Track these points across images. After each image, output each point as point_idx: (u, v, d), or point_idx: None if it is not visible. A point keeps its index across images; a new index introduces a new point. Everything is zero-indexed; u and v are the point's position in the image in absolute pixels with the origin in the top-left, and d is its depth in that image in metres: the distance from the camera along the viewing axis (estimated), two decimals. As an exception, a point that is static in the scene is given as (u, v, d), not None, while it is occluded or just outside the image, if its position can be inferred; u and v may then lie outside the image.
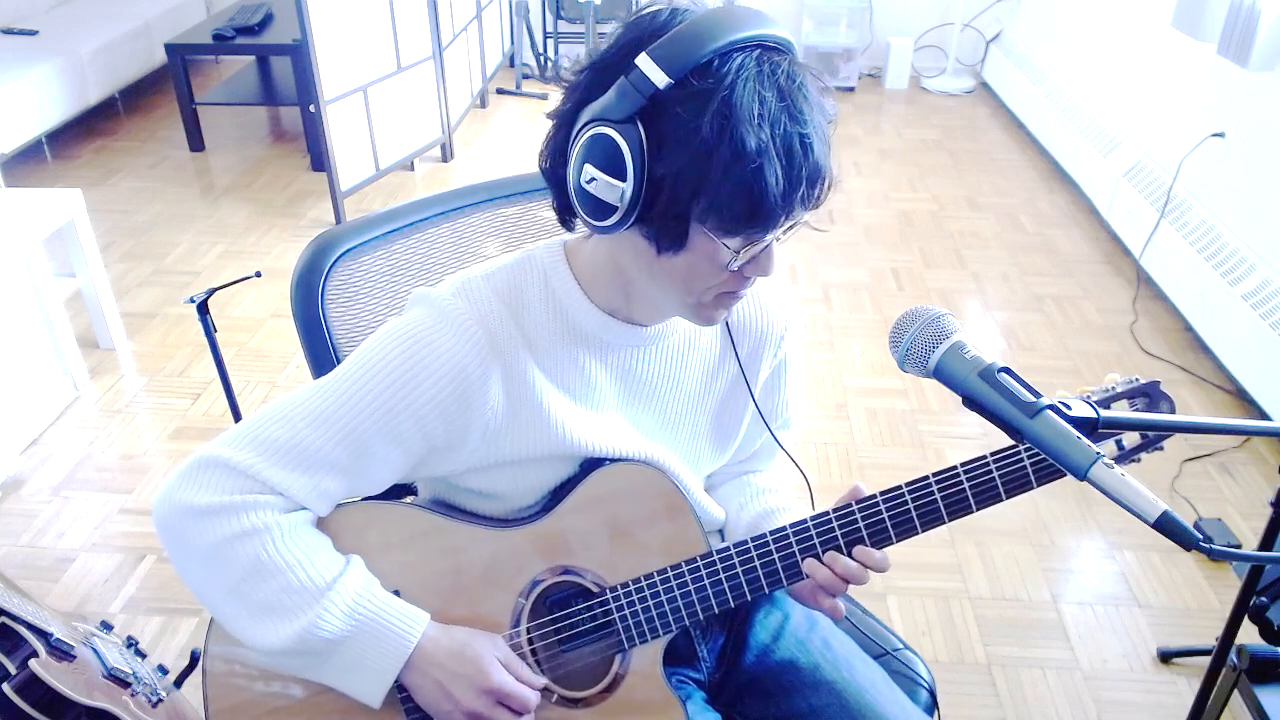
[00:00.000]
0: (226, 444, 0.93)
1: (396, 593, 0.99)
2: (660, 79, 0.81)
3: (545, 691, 1.02)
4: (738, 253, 0.87)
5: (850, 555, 1.00)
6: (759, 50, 0.83)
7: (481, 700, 0.96)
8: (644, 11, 0.87)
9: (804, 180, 0.83)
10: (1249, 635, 1.55)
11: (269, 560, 0.91)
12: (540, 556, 1.02)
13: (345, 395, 0.93)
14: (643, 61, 0.81)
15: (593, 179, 0.84)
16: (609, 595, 1.03)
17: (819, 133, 0.84)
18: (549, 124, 0.92)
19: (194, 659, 1.67)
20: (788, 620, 1.19)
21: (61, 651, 1.37)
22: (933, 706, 1.22)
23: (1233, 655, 1.45)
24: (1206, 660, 1.49)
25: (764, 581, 1.02)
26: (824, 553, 1.01)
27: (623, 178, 0.83)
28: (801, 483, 1.16)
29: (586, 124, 0.85)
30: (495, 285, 0.98)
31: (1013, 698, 1.92)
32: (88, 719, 1.34)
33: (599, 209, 0.86)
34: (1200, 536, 0.68)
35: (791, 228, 0.88)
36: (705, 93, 0.80)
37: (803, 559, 1.01)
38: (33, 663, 1.31)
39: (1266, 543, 1.29)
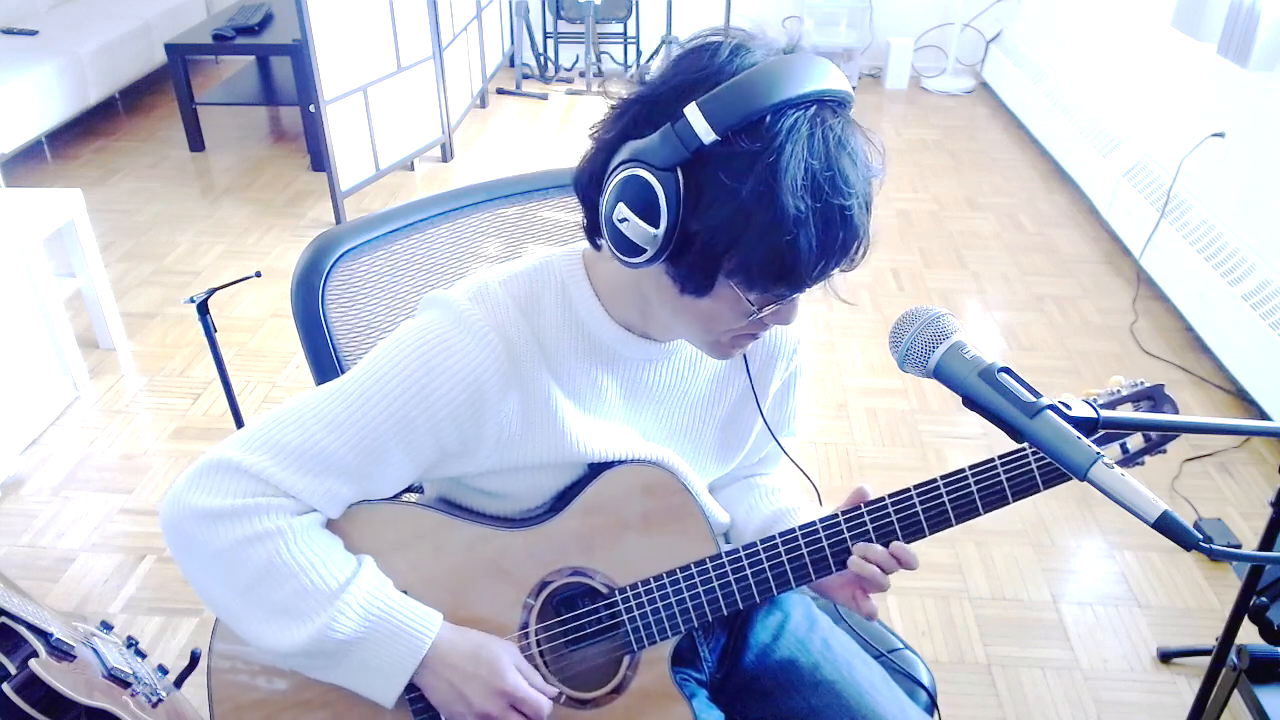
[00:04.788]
0: (237, 446, 0.92)
1: (405, 593, 0.98)
2: (707, 134, 0.79)
3: None
4: (761, 308, 0.87)
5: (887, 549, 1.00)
6: (814, 108, 0.80)
7: (495, 702, 0.96)
8: (705, 42, 0.84)
9: (839, 249, 0.83)
10: (1249, 635, 1.55)
11: (282, 563, 0.90)
12: (549, 557, 1.02)
13: (359, 399, 0.93)
14: (691, 113, 0.79)
15: (625, 219, 0.83)
16: (618, 596, 1.03)
17: (861, 199, 0.82)
18: (587, 142, 0.90)
19: (194, 659, 1.67)
20: (788, 620, 1.20)
21: (61, 651, 1.37)
22: (932, 707, 1.22)
23: (1233, 655, 1.45)
24: (1206, 660, 1.49)
25: (773, 584, 1.02)
26: (832, 555, 1.01)
27: (655, 224, 0.82)
28: (809, 488, 1.16)
29: (626, 161, 0.83)
30: (512, 292, 0.97)
31: (1013, 698, 1.92)
32: (88, 719, 1.34)
33: (628, 247, 0.85)
34: (1200, 536, 0.68)
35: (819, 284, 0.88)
36: (751, 155, 0.78)
37: (813, 565, 1.01)
38: (33, 663, 1.30)
39: (1266, 543, 1.29)
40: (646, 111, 0.84)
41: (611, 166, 0.85)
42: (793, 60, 0.81)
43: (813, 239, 0.80)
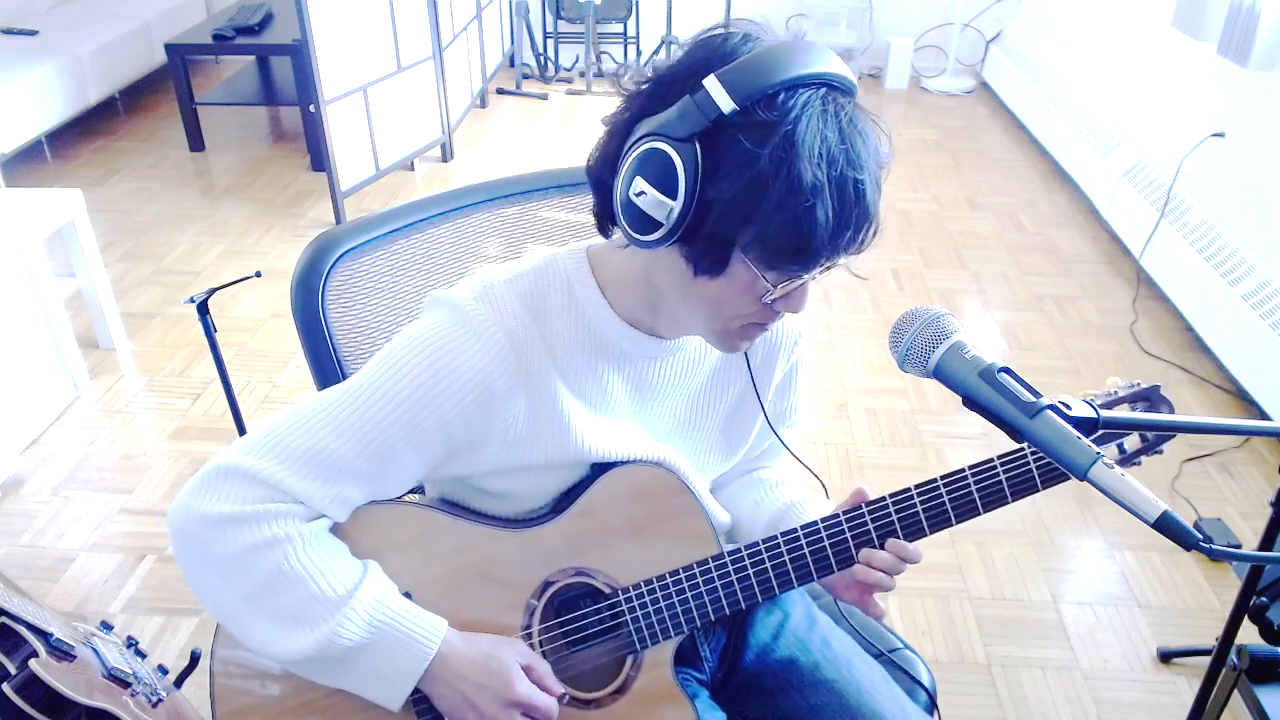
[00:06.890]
0: (246, 451, 0.92)
1: (408, 594, 0.99)
2: (726, 103, 0.80)
3: None
4: (774, 286, 0.87)
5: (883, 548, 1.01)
6: (825, 89, 0.83)
7: (506, 711, 0.96)
8: (715, 32, 0.87)
9: (852, 224, 0.83)
10: (1249, 635, 1.55)
11: (289, 570, 0.90)
12: (552, 557, 1.02)
13: (368, 402, 0.93)
14: (710, 83, 0.81)
15: (642, 193, 0.84)
16: (620, 596, 1.03)
17: (873, 179, 0.84)
18: (601, 129, 0.91)
19: (194, 659, 1.67)
20: (788, 620, 1.20)
21: (61, 651, 1.37)
22: (932, 706, 1.22)
23: (1233, 655, 1.45)
24: (1206, 660, 1.49)
25: (775, 583, 1.03)
26: (834, 554, 1.01)
27: (673, 195, 0.83)
28: (815, 484, 1.17)
29: (644, 136, 0.84)
30: (518, 291, 0.97)
31: (1013, 698, 1.92)
32: (88, 719, 1.34)
33: (644, 223, 0.85)
34: (1200, 536, 0.68)
35: (829, 269, 0.88)
36: (769, 124, 0.80)
37: (815, 564, 1.01)
38: (33, 663, 1.30)
39: (1266, 543, 1.29)
40: (662, 91, 0.85)
41: (628, 145, 0.86)
42: (803, 44, 0.84)
43: (829, 210, 0.81)
